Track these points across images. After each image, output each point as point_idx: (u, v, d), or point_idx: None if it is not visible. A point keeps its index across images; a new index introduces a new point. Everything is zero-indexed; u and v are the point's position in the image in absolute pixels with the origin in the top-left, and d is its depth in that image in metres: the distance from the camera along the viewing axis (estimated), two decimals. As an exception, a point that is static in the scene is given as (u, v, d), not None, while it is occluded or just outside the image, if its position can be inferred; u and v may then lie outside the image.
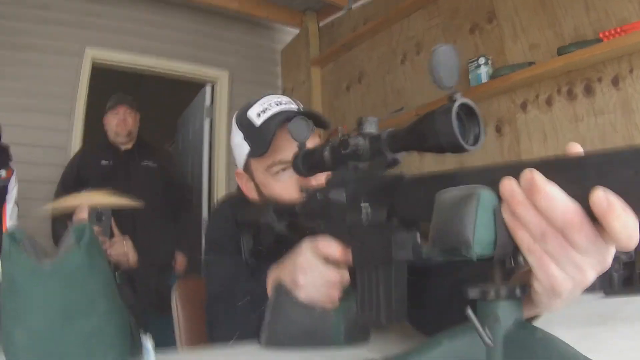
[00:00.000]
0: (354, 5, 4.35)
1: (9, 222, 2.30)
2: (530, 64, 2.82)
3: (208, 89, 4.81)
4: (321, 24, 4.77)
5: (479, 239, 0.49)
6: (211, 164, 4.70)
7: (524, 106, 2.93)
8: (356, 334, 0.92)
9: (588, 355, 0.48)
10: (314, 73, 4.65)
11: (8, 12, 3.82)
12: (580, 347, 0.49)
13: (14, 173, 2.39)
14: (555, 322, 0.92)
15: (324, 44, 4.69)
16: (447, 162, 2.92)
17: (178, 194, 3.47)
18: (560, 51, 2.64)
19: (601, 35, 2.48)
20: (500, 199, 0.50)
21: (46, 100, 3.88)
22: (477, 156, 3.05)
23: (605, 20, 2.54)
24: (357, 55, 4.27)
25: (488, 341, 0.52)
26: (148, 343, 0.67)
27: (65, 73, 4.01)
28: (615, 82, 2.51)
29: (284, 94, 4.83)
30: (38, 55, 3.90)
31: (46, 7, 3.99)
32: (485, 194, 0.50)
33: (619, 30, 2.42)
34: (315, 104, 4.57)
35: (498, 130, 3.07)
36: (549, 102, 2.80)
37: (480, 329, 0.53)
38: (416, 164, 3.20)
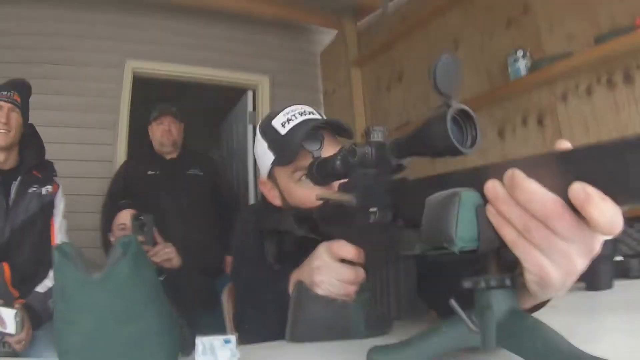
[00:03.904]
0: (390, 4, 4.33)
1: (59, 235, 2.35)
2: (568, 54, 2.78)
3: (250, 94, 4.87)
4: (358, 24, 4.77)
5: (461, 235, 0.54)
6: (256, 168, 4.72)
7: (564, 97, 2.90)
8: (376, 325, 0.96)
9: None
10: (353, 74, 4.66)
11: (47, 29, 3.96)
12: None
13: (60, 187, 2.45)
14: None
15: (362, 44, 4.69)
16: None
17: (225, 200, 3.52)
18: (598, 40, 2.61)
19: (638, 21, 2.44)
20: (484, 198, 0.54)
21: (90, 113, 4.00)
22: (520, 149, 3.05)
23: (640, 5, 2.50)
24: (396, 54, 4.26)
25: (472, 327, 0.57)
26: (199, 343, 0.72)
27: (107, 85, 4.12)
28: (654, 68, 2.46)
29: (325, 96, 4.89)
30: (79, 69, 4.02)
31: (84, 21, 4.11)
32: (466, 195, 0.54)
33: (655, 14, 2.37)
34: (357, 105, 4.59)
35: (540, 122, 3.04)
36: (588, 92, 2.76)
37: (465, 317, 0.57)
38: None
